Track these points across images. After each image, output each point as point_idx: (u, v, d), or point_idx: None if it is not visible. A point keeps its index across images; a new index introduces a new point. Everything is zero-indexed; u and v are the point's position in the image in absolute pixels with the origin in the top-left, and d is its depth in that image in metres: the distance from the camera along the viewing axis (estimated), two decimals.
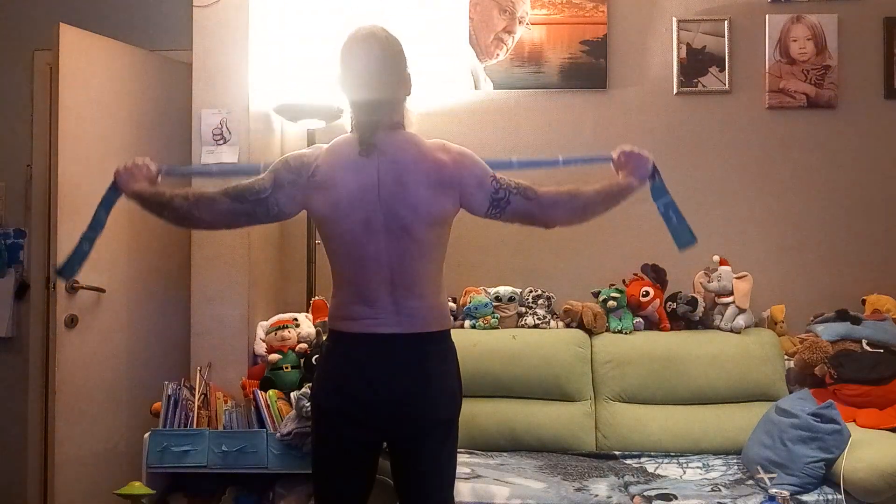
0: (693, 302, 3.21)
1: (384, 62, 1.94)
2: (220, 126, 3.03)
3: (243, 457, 2.69)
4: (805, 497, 2.49)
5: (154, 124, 3.44)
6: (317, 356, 2.87)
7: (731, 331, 3.17)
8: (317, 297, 3.19)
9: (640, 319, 3.23)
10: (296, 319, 3.05)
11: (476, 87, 3.54)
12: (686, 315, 3.23)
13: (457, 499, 2.12)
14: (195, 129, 3.05)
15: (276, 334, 2.97)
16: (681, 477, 2.75)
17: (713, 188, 3.47)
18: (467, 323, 3.24)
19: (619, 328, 3.19)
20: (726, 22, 3.46)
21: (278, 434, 2.67)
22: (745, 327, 3.17)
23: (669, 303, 3.24)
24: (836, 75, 3.44)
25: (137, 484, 2.59)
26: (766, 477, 2.44)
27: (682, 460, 2.91)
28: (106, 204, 2.13)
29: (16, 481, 3.66)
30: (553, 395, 3.09)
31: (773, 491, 2.29)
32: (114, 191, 2.11)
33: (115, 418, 3.27)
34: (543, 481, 2.65)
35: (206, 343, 3.00)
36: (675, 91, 3.49)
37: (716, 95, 3.48)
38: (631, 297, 3.22)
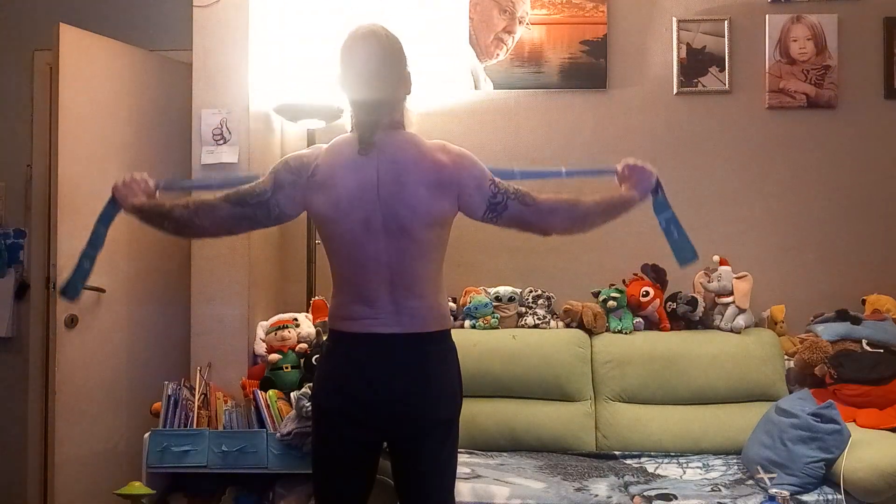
0: (693, 302, 3.21)
1: (384, 60, 1.94)
2: (220, 126, 3.03)
3: (243, 457, 2.69)
4: (805, 497, 2.49)
5: (154, 124, 3.44)
6: (317, 356, 2.87)
7: (731, 331, 3.18)
8: (317, 297, 3.19)
9: (640, 319, 3.23)
10: (296, 319, 3.05)
11: (476, 87, 3.54)
12: (686, 315, 3.23)
13: (457, 499, 2.12)
14: (195, 129, 3.04)
15: (276, 334, 2.97)
16: (681, 477, 2.75)
17: (713, 188, 3.47)
18: (467, 323, 3.24)
19: (619, 328, 3.19)
20: (726, 22, 3.46)
21: (278, 434, 2.67)
22: (745, 327, 3.17)
23: (669, 303, 3.25)
24: (836, 75, 3.44)
25: (137, 484, 2.59)
26: (766, 477, 2.44)
27: (682, 460, 2.91)
28: (105, 219, 2.12)
29: (16, 481, 3.66)
30: (553, 395, 3.09)
31: (773, 491, 2.29)
32: (112, 206, 2.10)
33: (115, 418, 3.27)
34: (543, 481, 2.65)
35: (206, 343, 3.00)
36: (675, 91, 3.49)
37: (716, 95, 3.48)
38: (631, 297, 3.22)
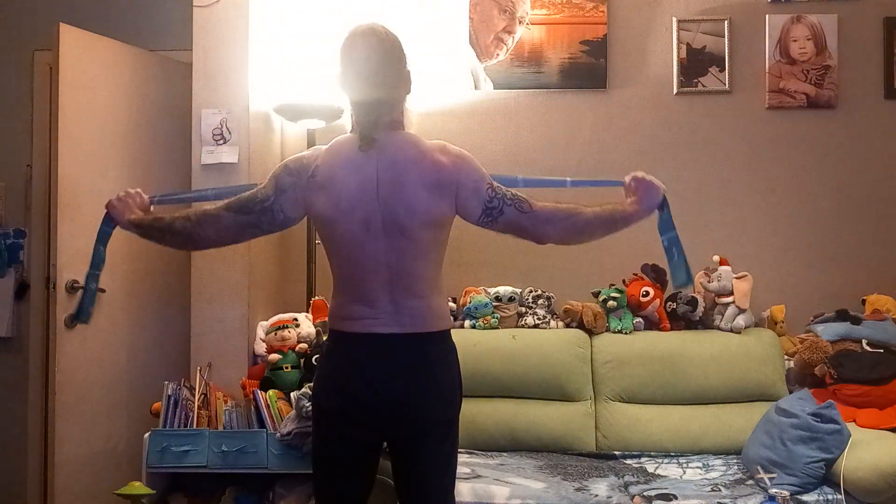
0: (693, 302, 3.21)
1: (384, 58, 1.94)
2: (220, 126, 3.03)
3: (243, 457, 2.69)
4: (805, 497, 2.49)
5: (154, 124, 3.44)
6: (317, 356, 2.87)
7: (731, 331, 3.18)
8: (317, 297, 3.19)
9: (640, 319, 3.23)
10: (296, 319, 3.05)
11: (476, 87, 3.54)
12: (686, 315, 3.23)
13: (457, 499, 2.12)
14: (195, 129, 3.04)
15: (276, 334, 2.97)
16: (681, 477, 2.75)
17: (713, 188, 3.47)
18: (467, 323, 3.24)
19: (619, 328, 3.19)
20: (726, 22, 3.46)
21: (278, 434, 2.67)
22: (745, 327, 3.17)
23: (669, 303, 3.24)
24: (836, 75, 3.44)
25: (137, 484, 2.59)
26: (766, 477, 2.44)
27: (682, 460, 2.91)
28: (102, 238, 2.14)
29: (16, 481, 3.66)
30: (553, 395, 3.09)
31: (773, 491, 2.29)
32: (108, 223, 2.11)
33: (115, 418, 3.27)
34: (543, 481, 2.65)
35: (206, 343, 3.00)
36: (675, 91, 3.49)
37: (716, 95, 3.48)
38: (631, 297, 3.22)
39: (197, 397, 2.78)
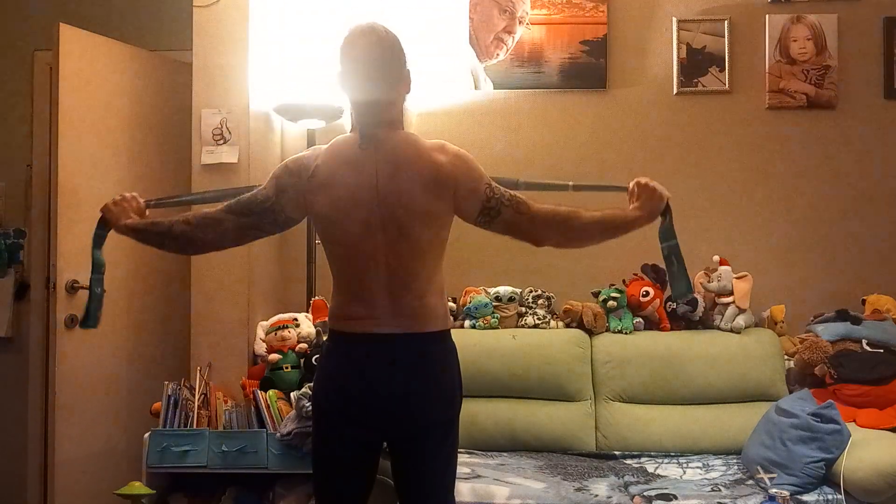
0: (693, 302, 3.21)
1: (384, 56, 1.93)
2: (220, 126, 3.03)
3: (243, 457, 2.69)
4: (805, 497, 2.49)
5: (154, 124, 3.44)
6: (317, 356, 2.87)
7: (731, 331, 3.17)
8: (317, 297, 3.19)
9: (640, 319, 3.22)
10: (296, 319, 3.05)
11: (476, 87, 3.54)
12: (686, 315, 3.23)
13: (457, 499, 2.12)
14: (195, 129, 3.04)
15: (276, 334, 2.97)
16: (681, 477, 2.75)
17: (713, 188, 3.46)
18: (467, 323, 3.24)
19: (619, 328, 3.19)
20: (726, 22, 3.46)
21: (278, 434, 2.67)
22: (745, 327, 3.17)
23: (669, 303, 3.24)
24: (836, 75, 3.44)
25: (137, 484, 2.59)
26: (766, 477, 2.44)
27: (682, 460, 2.91)
28: (97, 242, 2.12)
29: (16, 481, 3.66)
30: (553, 395, 3.09)
31: (773, 491, 2.29)
32: (102, 227, 2.10)
33: (115, 418, 3.27)
34: (543, 481, 2.65)
35: (206, 343, 3.00)
36: (675, 91, 3.48)
37: (716, 95, 3.48)
38: (631, 297, 3.22)
39: (197, 397, 2.78)
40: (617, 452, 2.98)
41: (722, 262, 3.25)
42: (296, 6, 3.44)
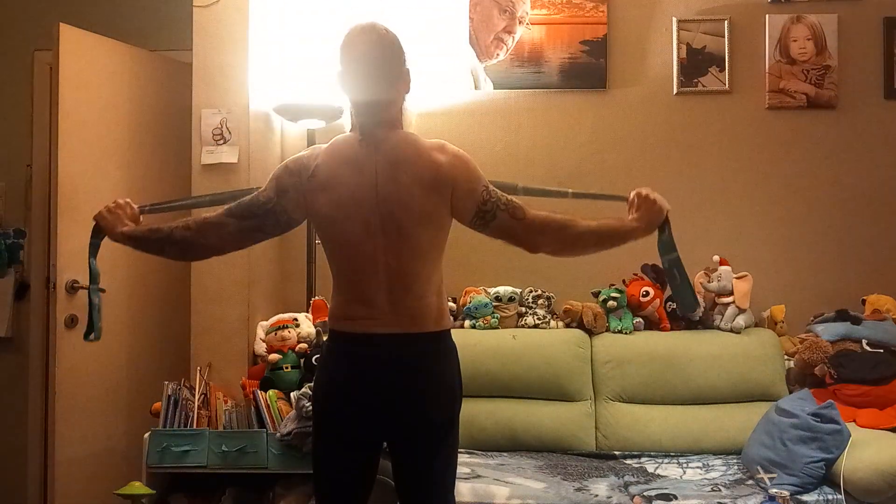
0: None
1: (383, 55, 1.93)
2: (220, 126, 3.03)
3: (243, 457, 2.69)
4: (805, 497, 2.49)
5: (154, 124, 3.45)
6: (317, 356, 2.87)
7: (731, 331, 3.17)
8: (317, 297, 3.19)
9: (640, 319, 3.23)
10: (296, 319, 3.05)
11: (476, 87, 3.54)
12: (686, 315, 3.23)
13: (457, 499, 2.12)
14: (195, 129, 3.04)
15: (276, 334, 2.97)
16: (681, 477, 2.75)
17: (713, 188, 3.46)
18: (467, 323, 3.24)
19: (619, 328, 3.19)
20: (726, 22, 3.46)
21: (278, 434, 2.67)
22: (745, 327, 3.17)
23: (669, 303, 3.24)
24: (836, 75, 3.44)
25: (137, 484, 2.59)
26: (766, 477, 2.44)
27: (682, 460, 2.91)
28: (93, 251, 2.09)
29: (16, 481, 3.66)
30: (553, 395, 3.09)
31: (773, 491, 2.29)
32: (97, 236, 2.07)
33: (115, 418, 3.27)
34: (543, 481, 2.65)
35: (206, 343, 3.00)
36: (675, 91, 3.48)
37: (716, 95, 3.48)
38: (631, 297, 3.22)
39: (197, 397, 2.78)
40: (617, 452, 2.98)
41: (722, 262, 3.25)
42: (296, 6, 3.44)
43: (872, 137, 3.44)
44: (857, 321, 3.07)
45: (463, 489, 2.50)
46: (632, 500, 2.51)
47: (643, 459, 2.92)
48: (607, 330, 3.21)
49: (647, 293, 3.20)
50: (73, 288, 3.11)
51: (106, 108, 3.28)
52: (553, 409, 3.06)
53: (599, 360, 3.14)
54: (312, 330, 3.03)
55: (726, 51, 3.46)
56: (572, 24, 3.49)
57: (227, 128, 3.03)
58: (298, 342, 2.98)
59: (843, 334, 3.03)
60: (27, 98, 3.76)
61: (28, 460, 3.66)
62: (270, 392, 2.78)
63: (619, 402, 3.10)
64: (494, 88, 3.53)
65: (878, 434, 2.71)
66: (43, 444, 3.51)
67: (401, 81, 1.97)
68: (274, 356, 2.92)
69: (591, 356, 3.15)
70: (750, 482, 2.66)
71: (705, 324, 3.25)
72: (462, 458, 2.72)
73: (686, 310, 2.16)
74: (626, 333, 3.18)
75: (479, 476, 2.67)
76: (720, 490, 2.59)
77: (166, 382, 2.81)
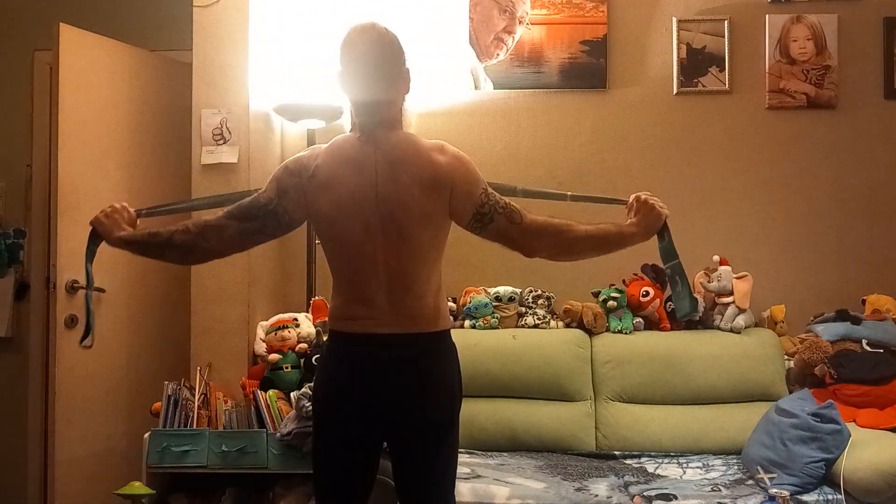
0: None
1: (383, 54, 1.93)
2: (220, 126, 3.03)
3: (243, 457, 2.69)
4: (805, 497, 2.49)
5: (154, 124, 3.44)
6: (317, 356, 2.87)
7: (731, 331, 3.17)
8: (317, 297, 3.19)
9: (640, 319, 3.23)
10: (296, 319, 3.05)
11: (476, 87, 3.54)
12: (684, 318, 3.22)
13: (457, 499, 2.12)
14: (195, 129, 3.04)
15: (276, 334, 2.97)
16: (681, 477, 2.75)
17: (713, 188, 3.46)
18: (467, 323, 3.24)
19: (619, 328, 3.19)
20: (726, 22, 3.46)
21: (278, 434, 2.67)
22: (745, 327, 3.17)
23: (669, 303, 3.24)
24: (836, 75, 3.44)
25: (137, 484, 2.59)
26: (766, 477, 2.44)
27: (682, 460, 2.91)
28: (90, 256, 2.07)
29: (16, 481, 3.66)
30: (553, 395, 3.09)
31: (773, 491, 2.29)
32: (94, 241, 2.04)
33: (115, 418, 3.27)
34: (543, 481, 2.65)
35: (206, 343, 3.00)
36: (675, 91, 3.48)
37: (716, 95, 3.48)
38: (631, 297, 3.22)
39: (197, 397, 2.78)
40: (617, 452, 2.98)
41: (722, 262, 3.25)
42: (296, 6, 3.44)
43: (872, 137, 3.44)
44: (857, 321, 3.07)
45: (463, 489, 2.50)
46: (632, 500, 2.51)
47: (643, 459, 2.92)
48: (607, 330, 3.21)
49: (647, 293, 3.20)
50: (73, 288, 3.11)
51: (106, 108, 3.28)
52: (553, 409, 3.06)
53: (599, 360, 3.14)
54: (312, 330, 3.03)
55: (726, 51, 3.46)
56: (572, 24, 3.49)
57: (227, 128, 3.03)
58: (298, 342, 2.98)
59: (843, 334, 3.04)
60: (27, 98, 3.76)
61: (28, 460, 3.66)
62: (270, 392, 2.78)
63: (619, 402, 3.10)
64: (494, 88, 3.53)
65: (878, 434, 2.71)
66: (43, 444, 3.51)
67: (400, 81, 1.97)
68: (274, 356, 2.92)
69: (591, 356, 3.15)
70: (750, 482, 2.66)
71: (705, 324, 3.25)
72: (462, 458, 2.72)
73: (683, 316, 2.17)
74: (626, 333, 3.18)
75: (479, 476, 2.67)
76: (720, 490, 2.59)
77: (166, 382, 2.81)
